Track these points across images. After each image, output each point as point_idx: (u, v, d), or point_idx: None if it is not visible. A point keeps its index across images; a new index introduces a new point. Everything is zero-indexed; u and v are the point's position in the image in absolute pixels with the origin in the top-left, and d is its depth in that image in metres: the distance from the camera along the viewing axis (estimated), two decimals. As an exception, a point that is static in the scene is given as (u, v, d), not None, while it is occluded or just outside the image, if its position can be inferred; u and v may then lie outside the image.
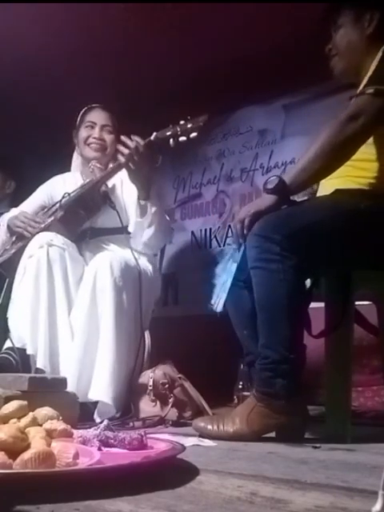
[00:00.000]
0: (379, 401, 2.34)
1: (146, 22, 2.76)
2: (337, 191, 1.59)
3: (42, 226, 2.27)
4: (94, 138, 2.42)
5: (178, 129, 2.10)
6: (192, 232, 3.65)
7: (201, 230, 3.61)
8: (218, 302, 1.59)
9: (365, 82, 1.57)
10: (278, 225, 1.48)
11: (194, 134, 2.08)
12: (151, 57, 3.05)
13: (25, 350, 1.97)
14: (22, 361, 1.94)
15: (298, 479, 0.94)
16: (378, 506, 0.61)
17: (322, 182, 1.71)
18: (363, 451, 1.34)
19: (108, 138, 2.43)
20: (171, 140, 2.10)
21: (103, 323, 1.98)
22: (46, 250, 2.07)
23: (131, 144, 2.08)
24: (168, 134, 2.11)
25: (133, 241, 2.27)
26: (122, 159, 2.11)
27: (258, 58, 2.89)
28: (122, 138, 2.10)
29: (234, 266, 1.57)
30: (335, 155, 1.55)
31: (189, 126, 2.09)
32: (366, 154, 1.61)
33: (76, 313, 2.04)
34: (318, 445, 1.36)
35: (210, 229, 3.53)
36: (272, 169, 3.29)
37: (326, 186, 1.68)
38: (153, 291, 2.35)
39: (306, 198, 1.75)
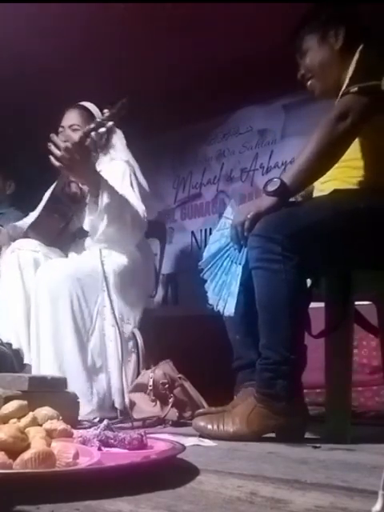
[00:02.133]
0: (379, 401, 2.34)
1: (145, 22, 2.76)
2: (335, 191, 1.60)
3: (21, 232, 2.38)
4: (65, 142, 2.42)
5: (99, 120, 2.09)
6: (192, 232, 3.66)
7: (201, 230, 3.61)
8: (225, 305, 1.58)
9: (347, 82, 1.59)
10: (279, 225, 1.48)
11: (109, 124, 2.06)
12: (151, 57, 3.05)
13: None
14: (14, 355, 2.02)
15: (298, 479, 0.94)
16: (378, 506, 0.61)
17: (318, 185, 1.71)
18: (363, 451, 1.34)
19: (76, 136, 2.34)
20: (92, 133, 2.08)
21: (42, 332, 2.05)
22: (16, 255, 2.18)
23: (62, 144, 2.06)
24: (91, 127, 2.09)
25: (90, 240, 2.28)
26: (55, 162, 2.08)
27: (258, 58, 2.89)
28: (53, 138, 2.07)
29: (239, 269, 1.56)
30: (329, 154, 1.57)
31: (106, 116, 2.08)
32: (358, 154, 1.62)
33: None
34: (318, 445, 1.36)
35: (210, 229, 3.53)
36: (272, 169, 3.29)
37: (322, 189, 1.68)
38: (134, 287, 2.32)
39: (300, 199, 1.76)
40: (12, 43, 2.91)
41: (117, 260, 2.27)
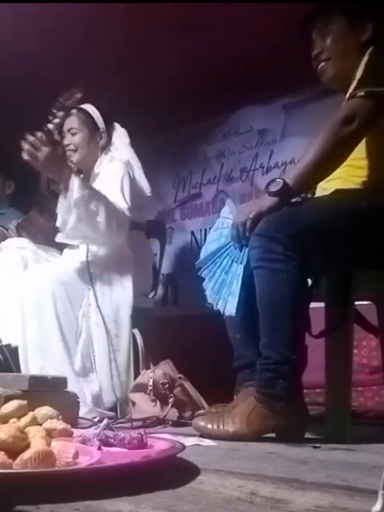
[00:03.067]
0: (379, 401, 2.34)
1: (145, 22, 2.76)
2: (337, 191, 1.60)
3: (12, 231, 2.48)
4: (66, 145, 2.46)
5: (54, 111, 2.11)
6: (192, 232, 3.66)
7: (201, 230, 3.61)
8: (225, 305, 1.58)
9: (354, 84, 1.58)
10: (280, 224, 1.47)
11: (60, 114, 2.09)
12: (151, 57, 3.05)
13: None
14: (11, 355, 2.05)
15: (298, 479, 0.94)
16: (378, 506, 0.61)
17: (322, 183, 1.71)
18: (363, 451, 1.34)
19: (75, 139, 2.45)
20: (50, 125, 2.08)
21: (28, 338, 2.08)
22: (4, 254, 2.26)
23: (29, 140, 2.06)
24: (50, 118, 2.09)
25: (61, 235, 2.26)
26: (24, 156, 2.08)
27: (258, 58, 2.89)
28: (26, 134, 2.08)
29: (240, 268, 1.56)
30: (333, 157, 1.56)
31: (56, 107, 2.10)
32: (362, 153, 1.62)
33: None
34: (317, 445, 1.36)
35: (210, 229, 3.52)
36: (272, 169, 3.29)
37: (325, 188, 1.68)
38: (123, 285, 2.30)
39: (299, 199, 1.75)
40: (12, 43, 2.90)
41: (103, 258, 2.28)
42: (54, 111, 2.06)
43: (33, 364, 2.03)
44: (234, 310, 1.55)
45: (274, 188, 1.53)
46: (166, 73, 3.17)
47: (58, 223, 2.19)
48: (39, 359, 2.03)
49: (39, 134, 2.05)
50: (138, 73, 3.18)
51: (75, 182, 2.10)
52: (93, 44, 2.93)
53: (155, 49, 2.98)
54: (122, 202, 2.25)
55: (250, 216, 1.51)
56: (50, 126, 2.05)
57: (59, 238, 2.26)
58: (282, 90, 3.10)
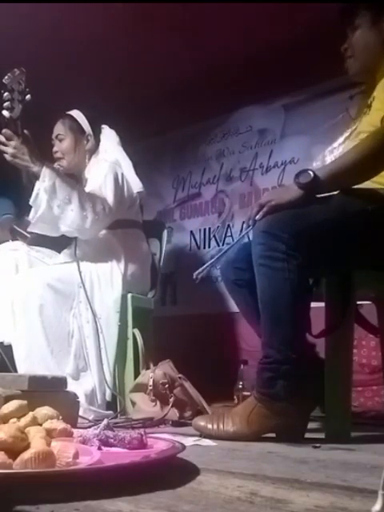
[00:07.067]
0: (379, 401, 2.34)
1: (147, 23, 2.77)
2: (344, 191, 1.58)
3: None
4: (55, 152, 2.50)
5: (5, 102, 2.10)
6: (191, 232, 3.66)
7: (200, 230, 3.61)
8: (200, 270, 1.59)
9: None
10: (285, 223, 1.45)
11: (7, 104, 2.06)
12: (152, 57, 3.06)
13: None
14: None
15: (298, 479, 0.94)
16: (377, 506, 0.61)
17: None
18: (363, 451, 1.34)
19: (62, 145, 2.49)
20: (5, 111, 2.06)
21: (20, 343, 2.09)
22: None
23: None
24: (4, 104, 2.08)
25: (31, 225, 2.27)
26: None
27: (258, 58, 2.89)
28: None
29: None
30: (372, 164, 1.53)
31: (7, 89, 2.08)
32: None
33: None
34: (317, 445, 1.36)
35: (209, 228, 3.54)
36: (272, 168, 3.29)
37: None
38: (114, 284, 2.29)
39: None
40: (14, 41, 2.91)
41: (93, 255, 2.29)
42: (3, 94, 2.05)
43: (20, 369, 2.03)
44: (198, 277, 1.58)
45: (303, 180, 1.48)
46: (166, 73, 3.18)
47: (31, 215, 2.21)
48: (28, 364, 2.03)
49: (4, 129, 2.06)
50: (137, 73, 3.18)
51: (46, 171, 2.12)
52: (93, 44, 2.93)
53: (156, 49, 2.98)
54: (102, 196, 2.26)
55: (270, 203, 1.48)
56: (5, 112, 2.04)
57: (31, 228, 2.27)
58: (282, 90, 3.10)
